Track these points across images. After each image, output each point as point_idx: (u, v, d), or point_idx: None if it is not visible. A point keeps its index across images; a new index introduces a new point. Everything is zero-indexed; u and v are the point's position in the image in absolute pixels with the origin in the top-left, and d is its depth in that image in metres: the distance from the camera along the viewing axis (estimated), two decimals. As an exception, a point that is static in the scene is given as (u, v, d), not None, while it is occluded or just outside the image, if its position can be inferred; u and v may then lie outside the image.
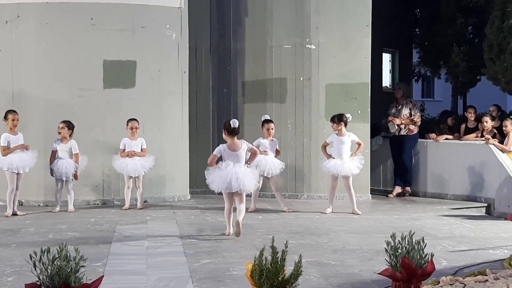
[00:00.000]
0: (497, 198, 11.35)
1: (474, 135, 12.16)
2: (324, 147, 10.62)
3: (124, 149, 10.71)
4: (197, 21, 12.63)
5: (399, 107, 12.59)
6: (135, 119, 10.82)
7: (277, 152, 10.67)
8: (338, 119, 10.44)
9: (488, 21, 13.61)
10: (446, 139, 12.40)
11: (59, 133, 10.41)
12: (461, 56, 16.24)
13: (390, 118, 12.54)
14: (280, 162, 10.64)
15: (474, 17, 17.22)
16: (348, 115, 10.51)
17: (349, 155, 10.39)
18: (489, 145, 11.48)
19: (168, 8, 11.73)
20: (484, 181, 11.62)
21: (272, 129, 10.58)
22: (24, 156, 10.08)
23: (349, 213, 10.33)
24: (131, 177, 10.73)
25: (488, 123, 11.93)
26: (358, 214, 10.31)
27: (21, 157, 10.04)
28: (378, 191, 12.86)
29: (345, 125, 10.42)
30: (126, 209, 10.64)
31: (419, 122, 12.59)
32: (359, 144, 10.48)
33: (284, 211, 10.44)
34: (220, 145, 8.32)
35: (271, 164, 10.47)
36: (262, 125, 10.65)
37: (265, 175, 10.46)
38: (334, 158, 10.39)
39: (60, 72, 11.24)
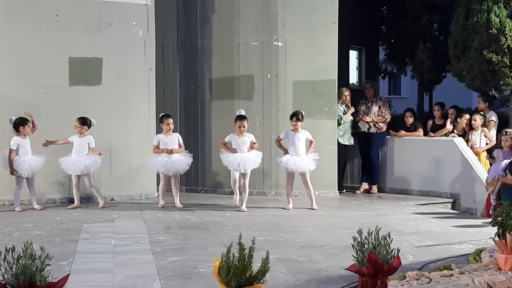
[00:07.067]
0: (462, 194, 11.49)
1: (442, 131, 12.23)
2: (279, 141, 10.74)
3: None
4: (164, 18, 12.57)
5: (369, 104, 12.66)
6: (81, 117, 10.59)
7: (252, 146, 10.55)
8: (300, 116, 10.58)
9: (453, 19, 13.73)
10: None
11: (24, 130, 10.28)
12: (426, 53, 16.40)
13: (360, 117, 12.61)
14: (256, 154, 10.55)
15: (439, 14, 17.39)
16: (301, 112, 10.68)
17: (305, 151, 10.54)
18: (454, 141, 11.61)
19: (135, 5, 11.66)
20: (449, 177, 11.75)
21: (244, 126, 10.46)
22: None
23: (317, 210, 10.36)
24: (78, 175, 10.57)
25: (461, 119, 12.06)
26: (314, 209, 10.39)
27: None
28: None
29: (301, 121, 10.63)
30: (73, 208, 10.49)
31: (389, 119, 12.67)
32: (311, 142, 10.66)
33: (241, 210, 10.31)
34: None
35: (244, 160, 10.35)
36: (235, 121, 10.58)
37: (242, 171, 10.40)
38: (290, 154, 10.52)
39: (25, 69, 11.10)
